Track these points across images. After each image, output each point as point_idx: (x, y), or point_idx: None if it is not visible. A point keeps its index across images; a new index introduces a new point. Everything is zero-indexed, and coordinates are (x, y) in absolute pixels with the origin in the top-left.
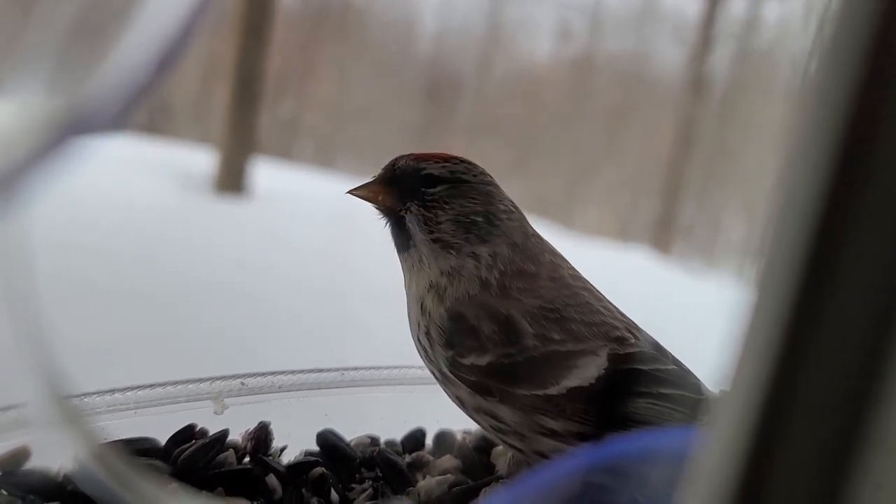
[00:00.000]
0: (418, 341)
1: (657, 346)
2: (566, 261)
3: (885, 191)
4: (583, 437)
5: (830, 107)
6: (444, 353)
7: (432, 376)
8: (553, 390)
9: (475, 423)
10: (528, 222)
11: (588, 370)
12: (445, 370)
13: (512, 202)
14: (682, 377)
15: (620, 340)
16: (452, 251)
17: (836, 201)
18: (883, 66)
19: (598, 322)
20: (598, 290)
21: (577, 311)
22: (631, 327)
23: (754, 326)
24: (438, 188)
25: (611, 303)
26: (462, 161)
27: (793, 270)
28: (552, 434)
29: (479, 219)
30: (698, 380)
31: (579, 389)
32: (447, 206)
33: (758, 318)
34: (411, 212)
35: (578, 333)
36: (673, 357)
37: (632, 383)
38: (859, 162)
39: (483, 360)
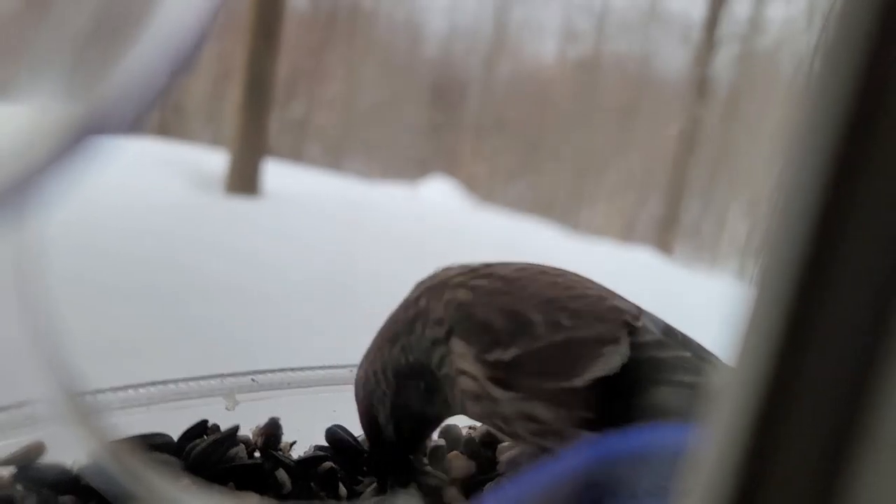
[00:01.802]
0: (476, 415)
1: (667, 330)
2: (534, 266)
3: (885, 182)
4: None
5: (832, 100)
6: (474, 358)
7: None
8: (578, 382)
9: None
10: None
11: (612, 359)
12: (492, 390)
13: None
14: (700, 365)
15: (631, 324)
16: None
17: (837, 191)
18: (884, 63)
19: (606, 307)
20: (586, 277)
21: (578, 299)
22: (637, 308)
23: (754, 320)
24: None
25: (605, 287)
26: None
27: (793, 262)
28: (589, 425)
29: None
30: (716, 364)
31: (605, 380)
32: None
33: (758, 313)
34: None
35: (588, 318)
36: (683, 337)
37: (653, 372)
38: (861, 150)
39: (508, 355)
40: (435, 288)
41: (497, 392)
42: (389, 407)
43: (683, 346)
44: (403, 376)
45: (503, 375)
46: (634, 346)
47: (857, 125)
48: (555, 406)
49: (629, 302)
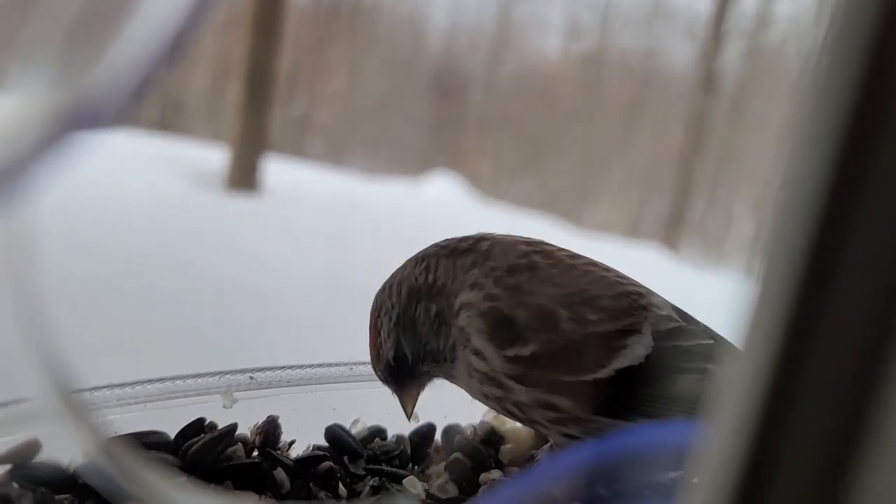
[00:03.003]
0: (485, 396)
1: (687, 318)
2: (552, 244)
3: (889, 178)
4: (640, 416)
5: (835, 96)
6: (496, 352)
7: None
8: (603, 374)
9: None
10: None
11: (636, 349)
12: (506, 381)
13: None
14: (721, 352)
15: (655, 313)
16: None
17: (841, 187)
18: (888, 59)
19: (624, 293)
20: (600, 262)
21: (598, 287)
22: (661, 298)
23: (758, 318)
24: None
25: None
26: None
27: (797, 259)
28: (611, 413)
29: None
30: (732, 347)
31: (630, 370)
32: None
33: (762, 310)
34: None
35: (612, 309)
36: (705, 327)
37: (676, 360)
38: (865, 145)
39: (526, 350)
40: (502, 244)
41: (513, 385)
42: (393, 321)
43: (705, 333)
44: (416, 293)
45: (521, 371)
46: (658, 336)
47: (861, 121)
48: (575, 396)
49: (652, 291)
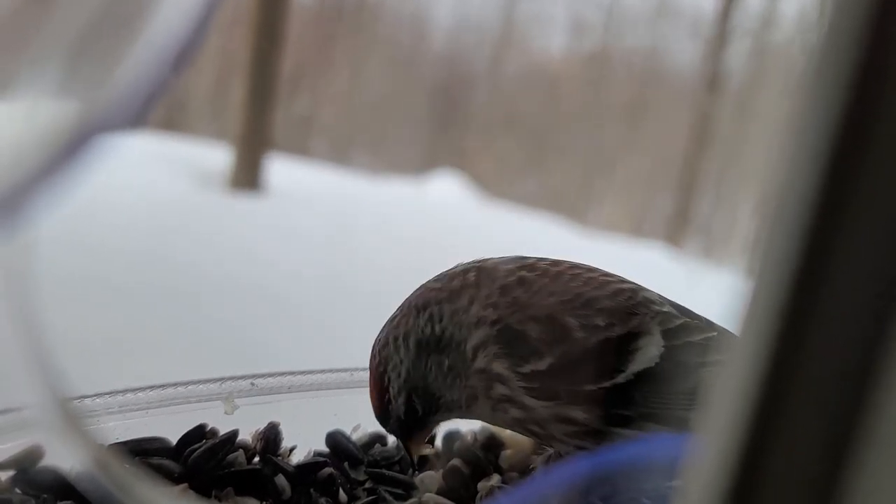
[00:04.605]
0: (511, 421)
1: (688, 313)
2: (565, 261)
3: (883, 176)
4: (656, 421)
5: (828, 95)
6: (507, 368)
7: None
8: (621, 378)
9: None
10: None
11: (649, 351)
12: (520, 396)
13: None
14: (727, 342)
15: (660, 311)
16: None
17: (834, 185)
18: (881, 56)
19: (617, 290)
20: (581, 263)
21: (591, 289)
22: (659, 295)
23: (750, 319)
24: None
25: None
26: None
27: (789, 256)
28: (628, 422)
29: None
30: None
31: (647, 372)
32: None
33: (754, 312)
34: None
35: (621, 314)
36: (707, 320)
37: (689, 356)
38: (859, 142)
39: (543, 364)
40: (487, 270)
41: (531, 402)
42: (403, 378)
43: (709, 326)
44: (426, 347)
45: (538, 385)
46: (667, 334)
47: (855, 118)
48: (592, 407)
49: (642, 286)
